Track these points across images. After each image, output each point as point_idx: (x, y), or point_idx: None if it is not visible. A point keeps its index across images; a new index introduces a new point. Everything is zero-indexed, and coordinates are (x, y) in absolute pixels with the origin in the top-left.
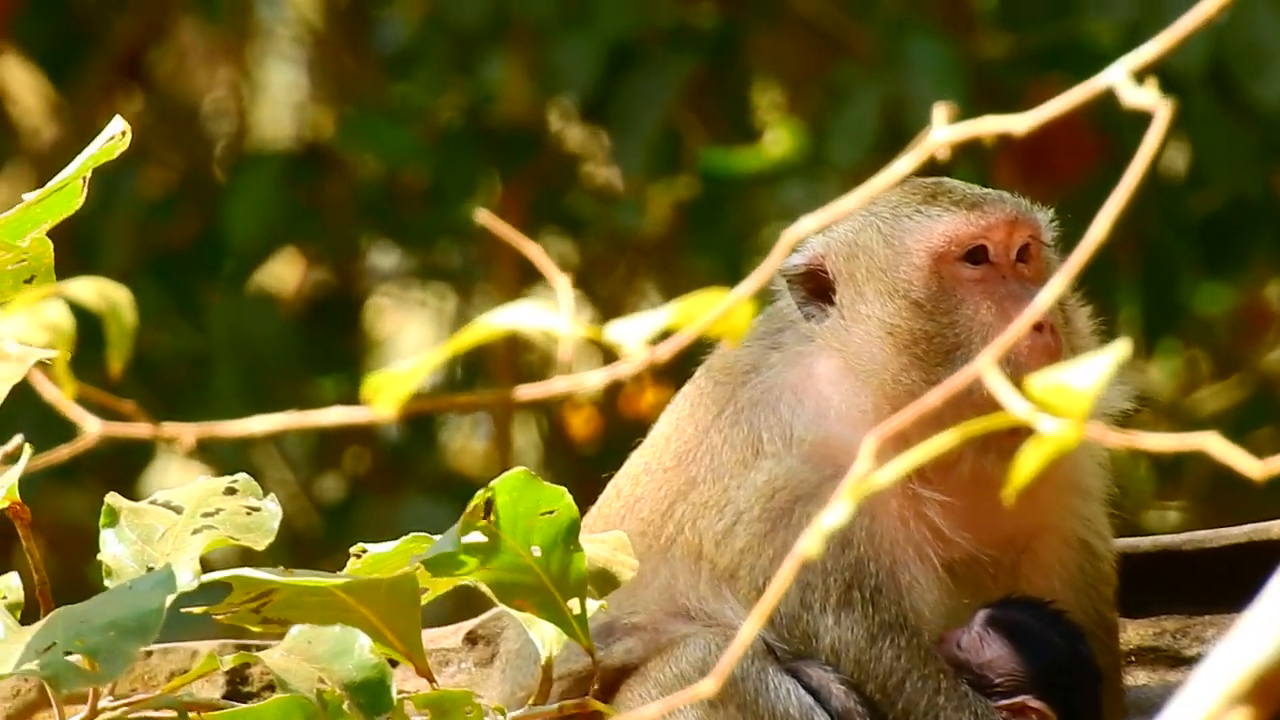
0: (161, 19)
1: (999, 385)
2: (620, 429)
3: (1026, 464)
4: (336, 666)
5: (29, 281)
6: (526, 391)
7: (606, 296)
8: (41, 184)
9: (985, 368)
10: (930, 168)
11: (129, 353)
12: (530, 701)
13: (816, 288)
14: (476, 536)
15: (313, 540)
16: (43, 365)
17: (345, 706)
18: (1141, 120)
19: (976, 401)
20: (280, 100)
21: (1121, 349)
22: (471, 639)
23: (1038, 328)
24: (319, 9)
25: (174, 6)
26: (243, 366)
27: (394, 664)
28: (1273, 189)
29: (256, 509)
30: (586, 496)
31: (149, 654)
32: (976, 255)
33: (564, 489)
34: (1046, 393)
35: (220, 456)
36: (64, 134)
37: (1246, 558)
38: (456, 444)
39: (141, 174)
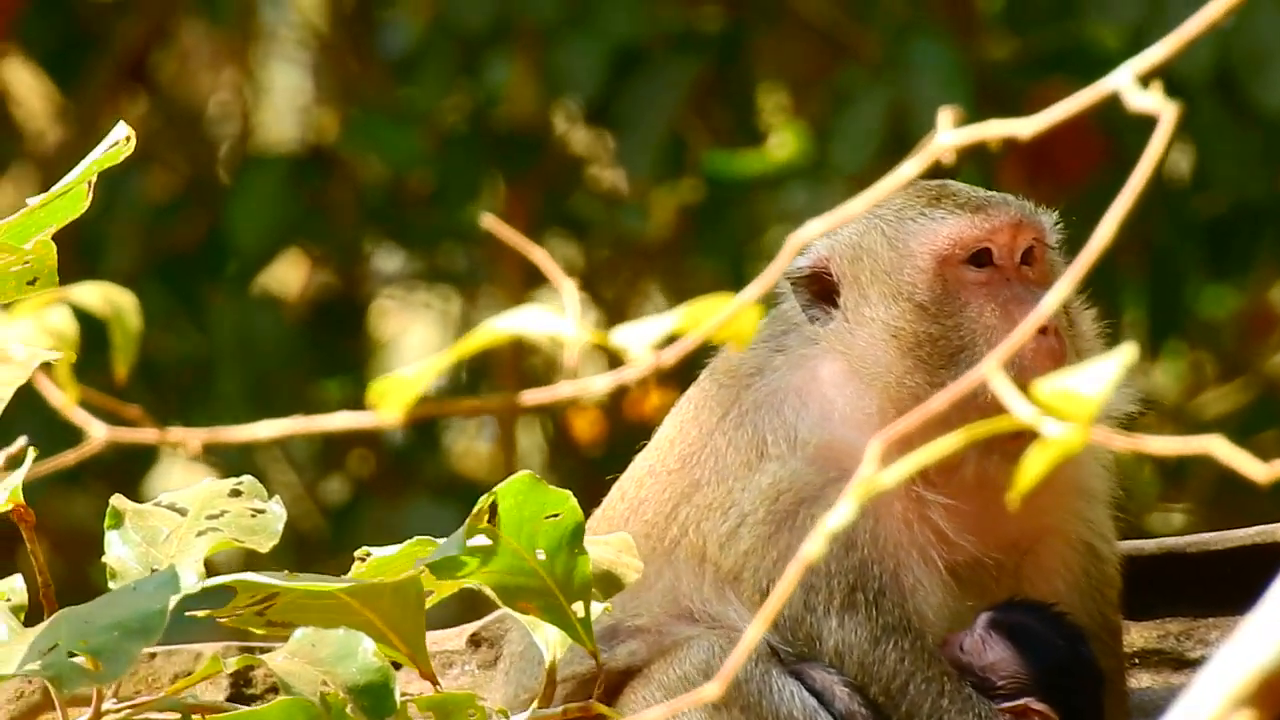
0: (166, 21)
1: (1004, 389)
2: (625, 431)
3: (1031, 468)
4: (340, 669)
5: (32, 283)
6: (532, 397)
7: (611, 299)
8: (46, 186)
9: (990, 372)
10: (935, 170)
11: (134, 357)
12: (534, 704)
13: (821, 290)
14: (481, 540)
15: (318, 542)
16: (49, 369)
17: (348, 709)
18: (1147, 123)
19: (981, 405)
20: (285, 103)
21: (1127, 354)
22: (475, 641)
23: (1042, 331)
24: (323, 11)
25: (178, 9)
26: (247, 369)
27: (397, 666)
28: (1278, 192)
29: (261, 511)
30: (591, 499)
31: (153, 656)
32: (981, 258)
33: (569, 492)
34: (1053, 398)
35: (225, 458)
36: (68, 136)
37: (1251, 560)
38: (461, 446)
39: (146, 177)
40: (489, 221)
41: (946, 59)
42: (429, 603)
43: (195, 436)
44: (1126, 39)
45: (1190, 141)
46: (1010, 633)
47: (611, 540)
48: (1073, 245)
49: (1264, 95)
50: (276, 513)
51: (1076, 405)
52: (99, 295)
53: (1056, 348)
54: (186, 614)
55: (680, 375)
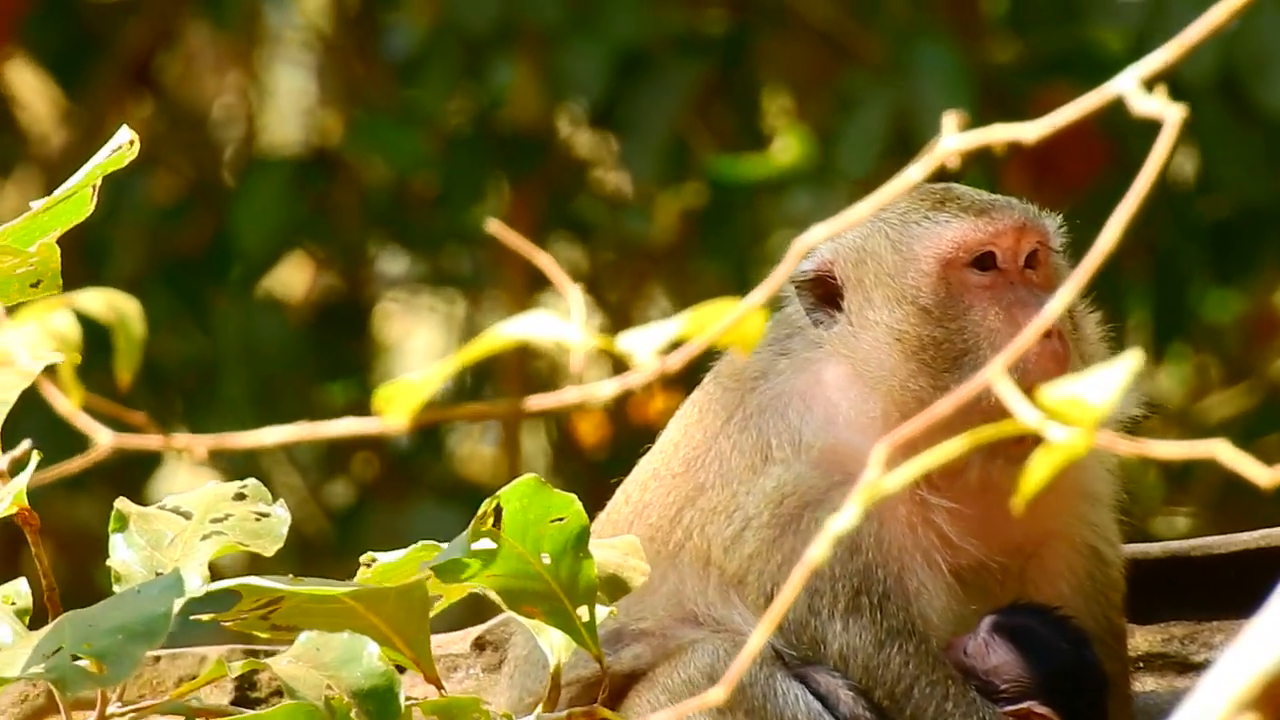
0: (171, 24)
1: (1008, 393)
2: (629, 435)
3: (1036, 472)
4: (344, 673)
5: (35, 286)
6: (537, 402)
7: (615, 302)
8: (51, 190)
9: (995, 376)
10: (939, 174)
11: (138, 363)
12: (539, 708)
13: (825, 294)
14: (485, 543)
15: (322, 546)
16: (54, 375)
17: (353, 714)
18: (1151, 126)
19: (985, 409)
20: (289, 105)
21: (1133, 361)
22: (480, 645)
23: (1047, 334)
24: (328, 14)
25: (183, 12)
26: (251, 371)
27: (402, 670)
28: None
29: (265, 515)
30: (595, 502)
31: (157, 659)
32: (985, 261)
33: (574, 496)
34: (1059, 405)
35: (229, 461)
36: (73, 139)
37: (1255, 564)
38: (465, 450)
39: (150, 180)
40: (495, 228)
41: (950, 62)
42: (438, 608)
43: (200, 443)
44: (1130, 42)
45: (1194, 145)
46: (1014, 636)
47: (618, 543)
48: (1077, 249)
49: (1268, 98)
50: (281, 516)
51: (1082, 413)
52: (103, 301)
53: (1061, 351)
54: (191, 617)
55: (685, 379)
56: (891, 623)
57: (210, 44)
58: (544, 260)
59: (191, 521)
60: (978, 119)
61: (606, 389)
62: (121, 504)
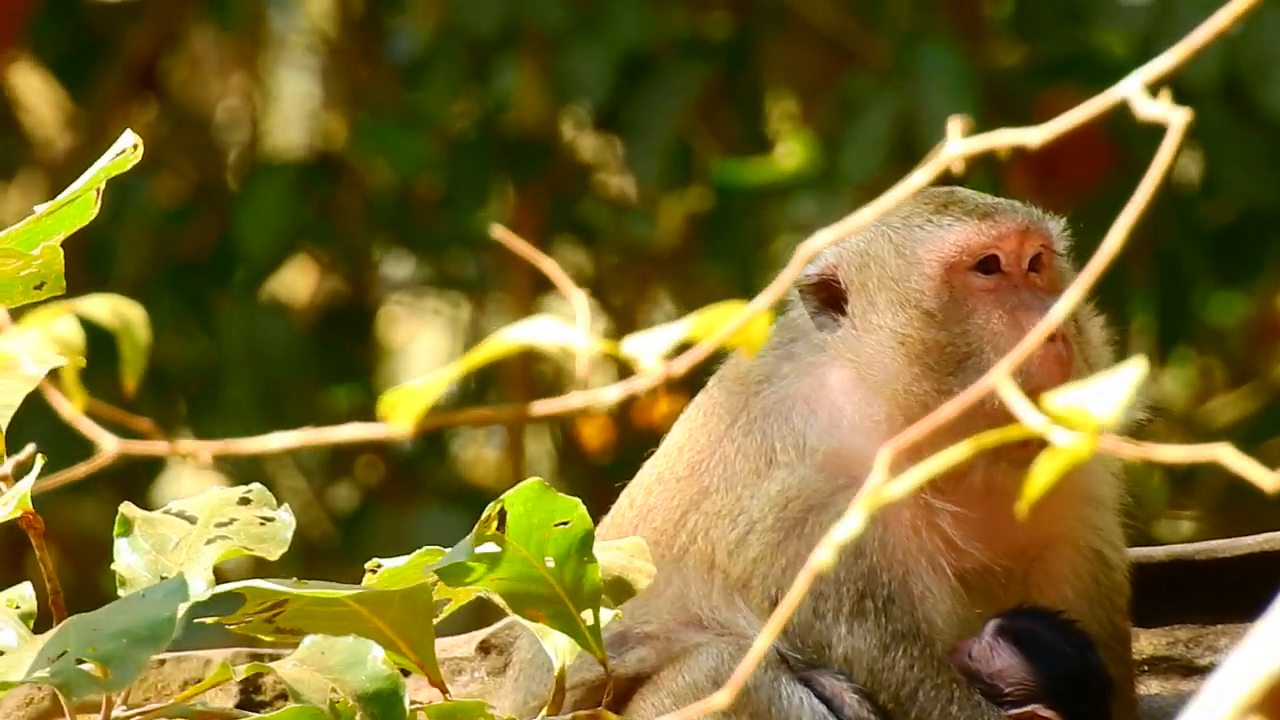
0: (175, 28)
1: (1013, 397)
2: (633, 439)
3: (1040, 476)
4: (349, 677)
5: (39, 288)
6: (542, 407)
7: (620, 306)
8: (55, 194)
9: (1000, 380)
10: (943, 177)
11: (142, 369)
12: (543, 711)
13: (829, 298)
14: (490, 547)
15: (327, 550)
16: (58, 380)
17: (358, 717)
18: (1155, 129)
19: (989, 412)
20: (293, 109)
21: (1138, 369)
22: (484, 648)
23: (1051, 337)
24: (332, 17)
25: (188, 15)
26: (256, 375)
27: (406, 674)
28: None
29: (270, 519)
30: (600, 506)
31: (162, 663)
32: (988, 265)
33: (578, 500)
34: (1062, 413)
35: (233, 465)
36: (78, 143)
37: (1260, 567)
38: (469, 454)
39: (155, 183)
40: (498, 230)
41: (954, 66)
42: (446, 611)
43: (205, 448)
44: (1135, 46)
45: (1199, 148)
46: (1018, 640)
47: (624, 545)
48: (1082, 252)
49: (1272, 101)
50: (285, 520)
51: (1086, 420)
52: (107, 307)
53: (1065, 355)
54: (195, 620)
55: (689, 382)
56: (896, 626)
57: (214, 47)
58: (548, 264)
59: (196, 526)
60: (982, 123)
61: (611, 393)
62: (126, 508)
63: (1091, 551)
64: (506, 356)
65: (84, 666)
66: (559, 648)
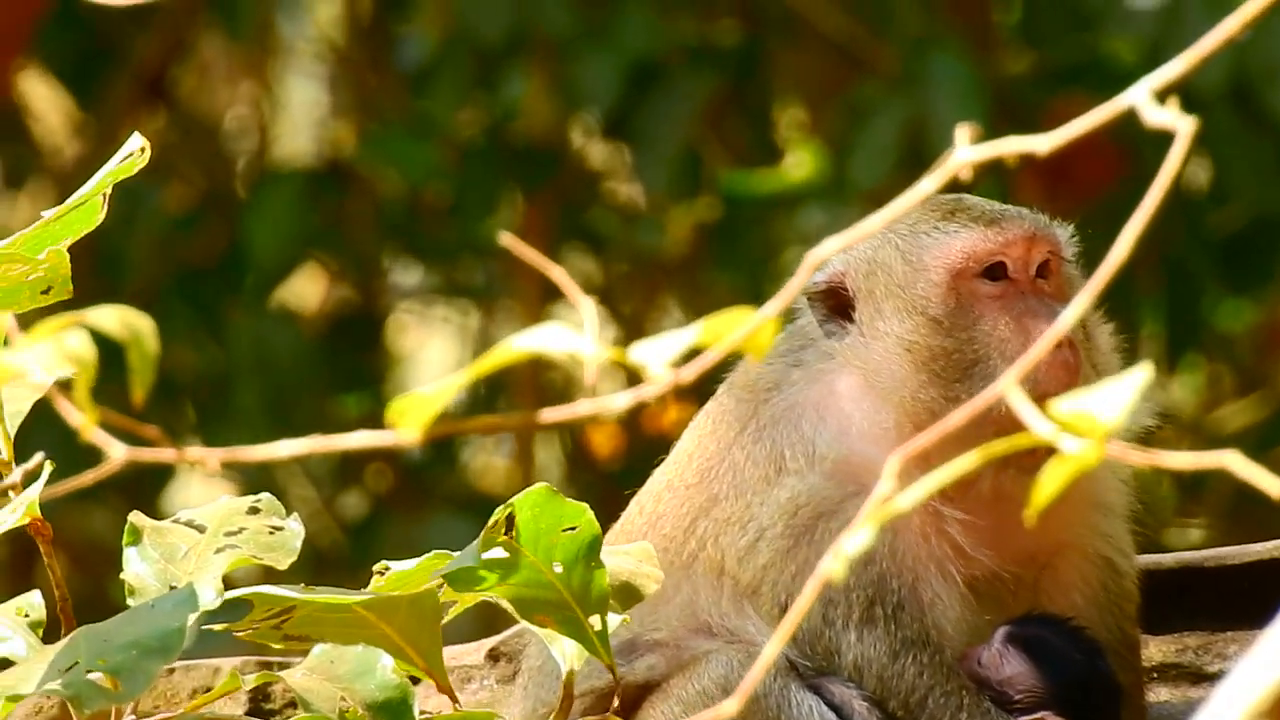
0: (184, 35)
1: (1021, 405)
2: (643, 446)
3: (1048, 483)
4: (358, 686)
5: (46, 292)
6: (551, 414)
7: (629, 314)
8: (63, 201)
9: (1007, 387)
10: (951, 184)
11: (152, 380)
12: (552, 718)
13: (837, 305)
14: (498, 552)
15: (336, 558)
16: (67, 389)
17: None
18: (1164, 135)
19: (997, 419)
20: (302, 117)
21: (1144, 375)
22: (493, 656)
23: (1059, 344)
24: (341, 25)
25: (197, 23)
26: (265, 383)
27: (415, 681)
28: None
29: (279, 528)
30: (609, 513)
31: (171, 671)
32: (995, 272)
33: (585, 505)
34: (1071, 419)
35: (243, 473)
36: (86, 151)
37: (1269, 574)
38: (479, 461)
39: (164, 191)
40: (506, 237)
41: (963, 73)
42: (452, 613)
43: (214, 456)
44: (1143, 52)
45: (1207, 154)
46: (1028, 646)
47: (632, 550)
48: (1090, 259)
49: None
50: (295, 530)
51: (1093, 426)
52: (116, 318)
53: (1073, 362)
54: (204, 627)
55: (698, 390)
56: (906, 633)
57: (223, 55)
58: (557, 272)
59: (205, 535)
60: (991, 130)
61: (620, 401)
62: (135, 518)
63: (1101, 558)
64: (515, 364)
65: (94, 677)
66: (567, 654)
